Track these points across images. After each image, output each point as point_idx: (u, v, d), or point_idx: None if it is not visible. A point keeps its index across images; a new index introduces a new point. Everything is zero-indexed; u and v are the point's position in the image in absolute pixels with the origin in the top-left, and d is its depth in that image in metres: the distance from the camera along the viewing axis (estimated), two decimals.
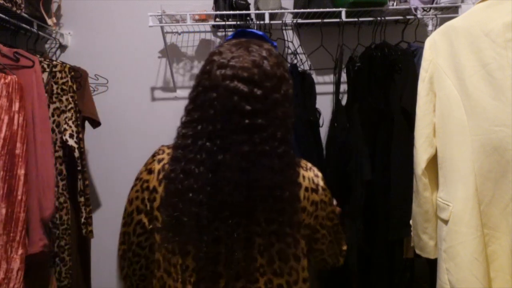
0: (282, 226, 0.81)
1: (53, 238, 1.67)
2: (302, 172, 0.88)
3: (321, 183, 0.90)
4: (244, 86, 0.77)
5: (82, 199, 1.76)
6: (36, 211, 1.43)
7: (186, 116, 0.85)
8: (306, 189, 0.87)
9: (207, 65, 0.83)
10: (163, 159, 0.88)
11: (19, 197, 1.36)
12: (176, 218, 0.81)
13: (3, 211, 1.30)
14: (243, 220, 0.79)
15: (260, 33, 0.94)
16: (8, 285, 1.31)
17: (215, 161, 0.78)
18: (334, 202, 0.99)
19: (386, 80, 1.71)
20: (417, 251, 1.33)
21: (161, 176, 0.86)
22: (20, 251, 1.34)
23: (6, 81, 1.36)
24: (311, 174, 0.89)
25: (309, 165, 0.92)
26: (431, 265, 1.46)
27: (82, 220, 1.76)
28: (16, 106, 1.37)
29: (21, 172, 1.37)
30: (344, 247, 1.03)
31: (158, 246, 0.87)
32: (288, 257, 0.83)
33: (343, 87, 1.95)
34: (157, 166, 0.88)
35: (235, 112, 0.77)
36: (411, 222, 1.34)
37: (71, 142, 1.71)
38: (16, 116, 1.37)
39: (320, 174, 0.92)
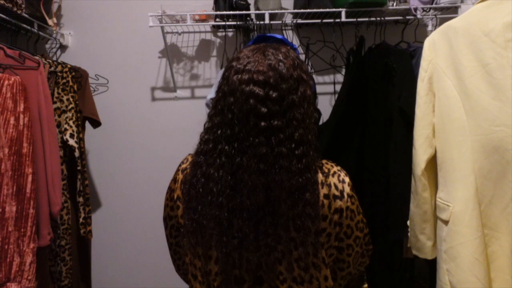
0: (301, 233, 0.79)
1: (54, 236, 1.68)
2: (323, 178, 0.84)
3: (347, 189, 0.85)
4: (259, 89, 0.78)
5: (81, 199, 1.77)
6: (45, 207, 1.51)
7: (208, 122, 0.86)
8: (326, 196, 0.83)
9: (226, 72, 0.84)
10: (186, 168, 0.91)
11: (28, 195, 1.41)
12: (196, 221, 0.83)
13: (14, 208, 1.37)
14: (262, 224, 0.79)
15: (280, 36, 0.94)
16: (22, 277, 1.39)
17: (234, 164, 0.79)
18: None
19: (384, 80, 1.71)
20: (414, 252, 1.32)
21: (183, 185, 0.89)
22: (31, 245, 1.41)
23: (10, 82, 1.38)
24: (334, 180, 0.85)
25: (335, 169, 0.87)
26: (431, 265, 1.45)
27: (81, 220, 1.76)
28: (21, 107, 1.40)
29: (29, 170, 1.42)
30: (367, 261, 0.98)
31: (184, 251, 0.91)
32: (307, 265, 0.82)
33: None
34: (180, 176, 0.92)
35: (251, 115, 0.78)
36: (408, 222, 1.34)
37: (72, 142, 1.71)
38: (21, 116, 1.40)
39: (347, 179, 0.87)
